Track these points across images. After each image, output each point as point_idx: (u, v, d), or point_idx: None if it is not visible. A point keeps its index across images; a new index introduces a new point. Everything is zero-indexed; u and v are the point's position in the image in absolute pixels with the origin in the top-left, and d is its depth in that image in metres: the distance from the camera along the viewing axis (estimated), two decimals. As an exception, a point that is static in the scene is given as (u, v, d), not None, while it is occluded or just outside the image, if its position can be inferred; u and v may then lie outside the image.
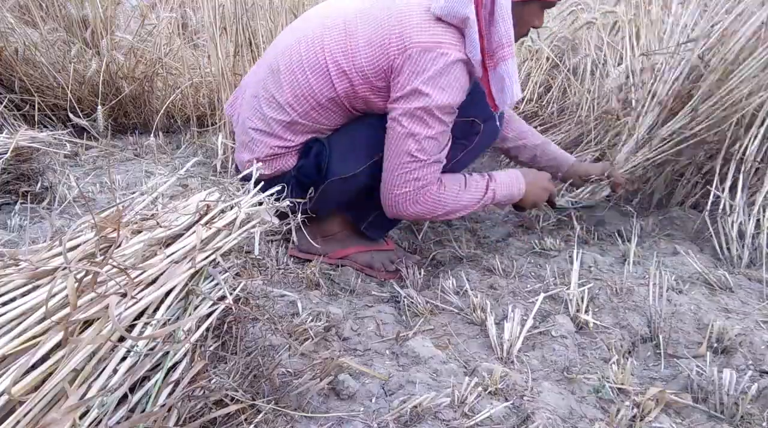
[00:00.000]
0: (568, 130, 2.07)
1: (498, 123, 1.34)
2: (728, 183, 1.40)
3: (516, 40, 1.18)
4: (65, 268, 0.67)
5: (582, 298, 1.11)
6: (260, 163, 1.10)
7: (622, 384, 0.91)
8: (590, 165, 1.53)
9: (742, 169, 1.39)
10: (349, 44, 1.15)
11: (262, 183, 0.95)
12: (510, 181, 1.29)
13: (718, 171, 1.44)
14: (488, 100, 1.20)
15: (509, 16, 1.11)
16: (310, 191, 1.23)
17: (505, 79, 1.14)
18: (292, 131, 1.23)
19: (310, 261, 1.31)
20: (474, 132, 1.28)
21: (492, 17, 1.11)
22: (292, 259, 1.32)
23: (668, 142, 1.53)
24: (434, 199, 1.21)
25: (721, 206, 1.39)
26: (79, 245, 0.78)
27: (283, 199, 0.92)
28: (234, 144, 1.93)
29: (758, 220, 1.33)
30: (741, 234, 1.34)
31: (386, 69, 1.13)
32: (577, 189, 1.62)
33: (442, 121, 1.15)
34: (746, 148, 1.40)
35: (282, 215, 0.93)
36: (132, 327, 0.71)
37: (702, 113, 1.46)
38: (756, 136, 1.39)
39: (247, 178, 0.99)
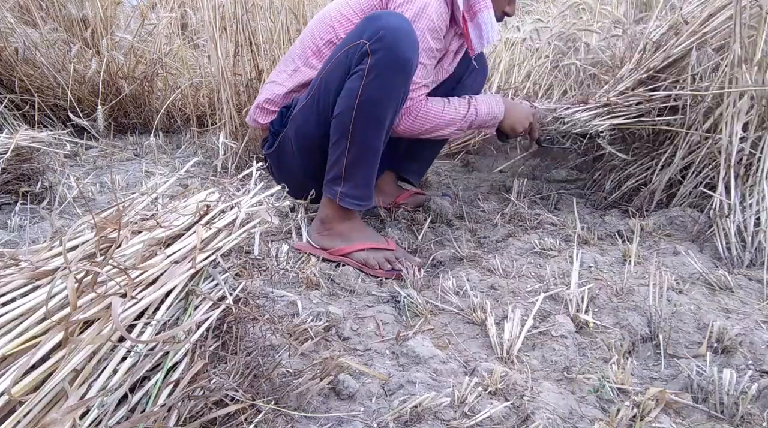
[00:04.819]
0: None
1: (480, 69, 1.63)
2: (721, 181, 1.41)
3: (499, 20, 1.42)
4: (65, 268, 0.67)
5: (582, 298, 1.11)
6: (260, 163, 1.12)
7: (622, 384, 0.90)
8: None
9: (732, 167, 1.40)
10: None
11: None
12: (489, 100, 1.45)
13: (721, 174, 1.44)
14: (467, 46, 1.38)
15: None
16: (311, 193, 1.23)
17: (482, 26, 1.34)
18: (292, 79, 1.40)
19: (312, 254, 1.31)
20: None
21: None
22: (293, 253, 1.32)
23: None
24: (421, 114, 1.36)
25: (717, 206, 1.39)
26: (79, 245, 0.78)
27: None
28: (234, 143, 1.94)
29: (757, 219, 1.33)
30: (740, 234, 1.34)
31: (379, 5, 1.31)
32: None
33: (430, 48, 1.30)
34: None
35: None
36: (132, 327, 0.71)
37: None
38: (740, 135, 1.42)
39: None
